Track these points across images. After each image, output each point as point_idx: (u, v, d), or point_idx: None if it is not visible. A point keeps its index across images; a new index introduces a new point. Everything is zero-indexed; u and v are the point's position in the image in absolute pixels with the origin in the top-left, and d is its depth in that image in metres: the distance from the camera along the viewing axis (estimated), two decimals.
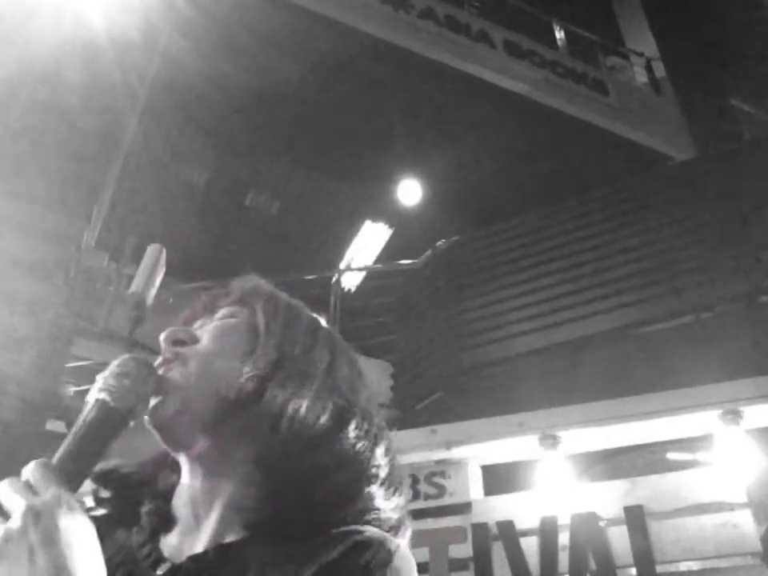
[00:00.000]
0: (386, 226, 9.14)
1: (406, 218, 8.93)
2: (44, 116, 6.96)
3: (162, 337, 0.89)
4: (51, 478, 0.70)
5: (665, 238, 4.79)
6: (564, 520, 3.07)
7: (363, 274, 8.25)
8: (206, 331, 0.91)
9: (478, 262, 5.36)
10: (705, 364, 3.84)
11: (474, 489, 3.34)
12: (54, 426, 4.22)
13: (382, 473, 0.85)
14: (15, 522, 0.65)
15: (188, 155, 8.14)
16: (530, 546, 3.07)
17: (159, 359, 0.87)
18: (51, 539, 0.64)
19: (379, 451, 0.86)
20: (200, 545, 0.80)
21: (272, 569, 0.74)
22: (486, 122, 8.12)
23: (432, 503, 3.33)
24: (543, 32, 8.99)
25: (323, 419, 0.82)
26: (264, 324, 0.90)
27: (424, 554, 3.10)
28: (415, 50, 7.71)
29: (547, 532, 3.06)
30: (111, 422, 0.77)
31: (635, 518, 2.97)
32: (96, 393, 0.78)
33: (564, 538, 3.03)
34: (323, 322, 0.99)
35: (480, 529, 3.15)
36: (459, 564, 3.11)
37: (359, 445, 0.83)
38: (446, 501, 3.32)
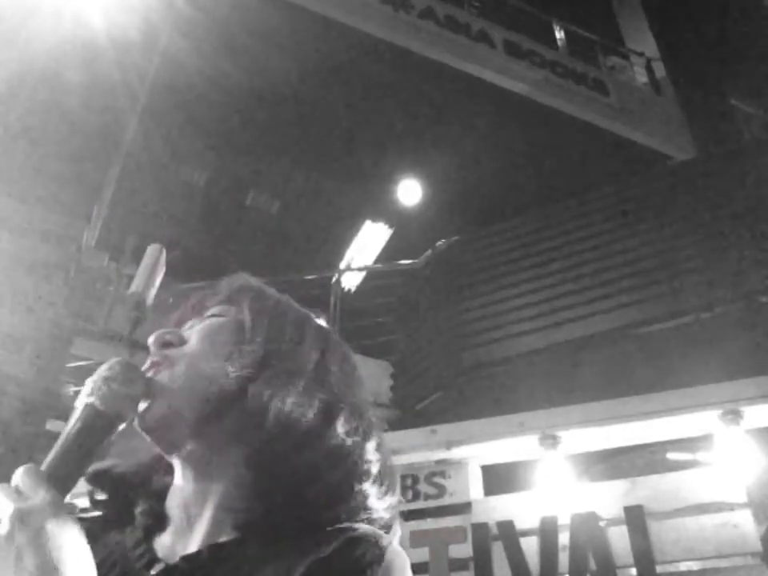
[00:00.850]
0: (386, 226, 9.14)
1: (406, 218, 8.93)
2: (44, 116, 6.96)
3: (150, 340, 0.89)
4: (40, 482, 0.70)
5: (665, 238, 4.79)
6: (564, 520, 3.07)
7: (363, 273, 8.25)
8: (194, 332, 0.90)
9: (478, 261, 5.36)
10: (705, 364, 3.84)
11: (474, 489, 3.34)
12: (54, 425, 4.23)
13: (374, 469, 0.85)
14: (3, 525, 0.66)
15: (188, 155, 8.15)
16: (530, 546, 3.07)
17: (147, 362, 0.87)
18: (38, 541, 0.65)
19: (370, 447, 0.86)
20: (193, 545, 0.80)
21: (264, 567, 0.75)
22: (486, 121, 8.12)
23: (432, 503, 3.33)
24: (543, 32, 8.99)
25: (310, 415, 0.82)
26: (250, 321, 0.89)
27: (424, 553, 3.10)
28: (415, 50, 7.71)
29: (547, 532, 3.06)
30: (100, 426, 0.77)
31: (635, 518, 2.97)
32: (85, 397, 0.78)
33: (564, 538, 3.03)
34: (315, 317, 0.98)
35: (480, 529, 3.15)
36: (459, 564, 3.11)
37: (349, 441, 0.83)
38: (446, 501, 3.32)
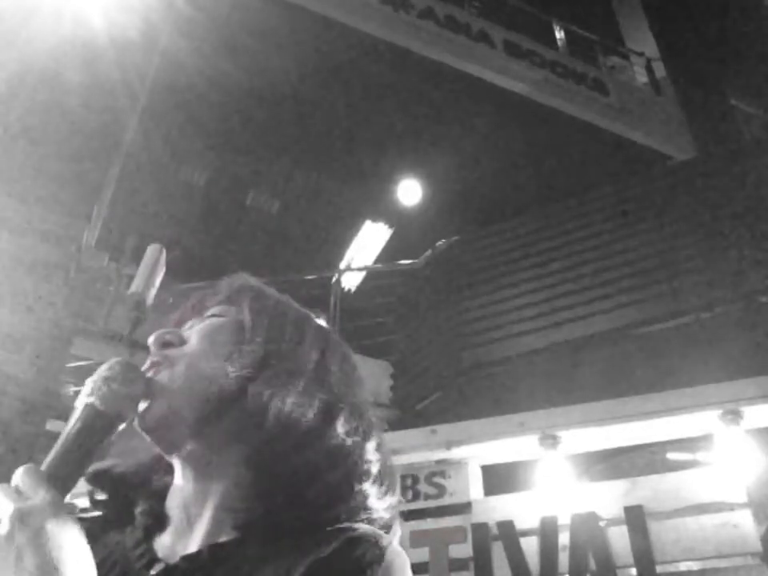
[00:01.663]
0: (386, 226, 9.14)
1: (406, 218, 8.93)
2: (44, 116, 6.96)
3: (150, 340, 0.89)
4: (40, 482, 0.70)
5: (665, 238, 4.79)
6: (564, 520, 3.07)
7: (363, 273, 8.25)
8: (194, 332, 0.90)
9: (478, 261, 5.36)
10: (705, 364, 3.84)
11: (474, 489, 3.34)
12: (54, 425, 4.23)
13: (374, 469, 0.85)
14: (3, 526, 0.66)
15: (188, 155, 8.15)
16: (530, 546, 3.07)
17: (147, 362, 0.87)
18: (38, 541, 0.65)
19: (370, 447, 0.86)
20: (193, 545, 0.80)
21: (264, 567, 0.75)
22: (486, 122, 8.12)
23: (432, 503, 3.32)
24: (543, 32, 8.98)
25: (310, 415, 0.82)
26: (250, 321, 0.89)
27: (424, 554, 3.10)
28: (415, 50, 7.70)
29: (547, 532, 3.06)
30: (100, 426, 0.77)
31: (635, 518, 2.97)
32: (85, 397, 0.78)
33: (564, 538, 3.03)
34: (315, 317, 0.98)
35: (480, 529, 3.15)
36: (459, 564, 3.11)
37: (349, 441, 0.83)
38: (446, 501, 3.32)
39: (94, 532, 0.79)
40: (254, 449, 0.81)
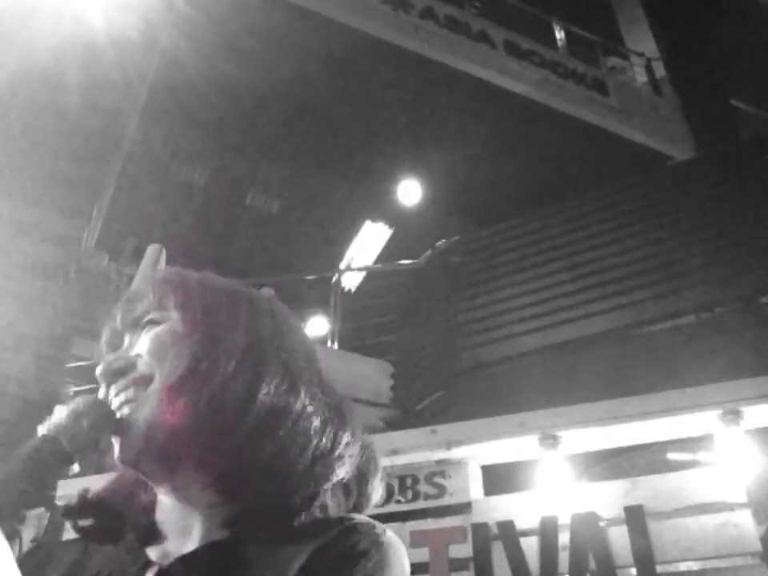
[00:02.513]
0: (386, 226, 9.14)
1: (406, 218, 8.93)
2: (44, 116, 6.96)
3: (98, 372, 0.87)
4: None
5: (665, 238, 4.79)
6: (564, 520, 3.06)
7: (363, 274, 8.25)
8: (139, 350, 0.88)
9: (478, 261, 5.36)
10: (705, 364, 3.84)
11: (474, 489, 3.34)
12: None
13: (346, 452, 0.85)
14: None
15: (188, 155, 8.14)
16: (530, 546, 3.06)
17: (115, 400, 0.85)
18: None
19: (341, 432, 0.85)
20: (189, 546, 0.81)
21: (261, 561, 0.75)
22: (486, 121, 8.12)
23: (432, 503, 3.32)
24: (543, 32, 8.99)
25: (264, 392, 0.81)
26: (181, 322, 0.88)
27: (424, 554, 3.10)
28: (415, 50, 7.71)
29: (547, 532, 3.06)
30: (58, 461, 0.77)
31: (635, 518, 2.96)
32: (51, 429, 0.78)
33: (564, 538, 3.02)
34: (251, 292, 0.96)
35: (480, 529, 3.15)
36: (459, 564, 3.10)
37: (316, 422, 0.83)
38: (446, 501, 3.32)
39: (88, 547, 0.80)
40: (225, 466, 0.80)
